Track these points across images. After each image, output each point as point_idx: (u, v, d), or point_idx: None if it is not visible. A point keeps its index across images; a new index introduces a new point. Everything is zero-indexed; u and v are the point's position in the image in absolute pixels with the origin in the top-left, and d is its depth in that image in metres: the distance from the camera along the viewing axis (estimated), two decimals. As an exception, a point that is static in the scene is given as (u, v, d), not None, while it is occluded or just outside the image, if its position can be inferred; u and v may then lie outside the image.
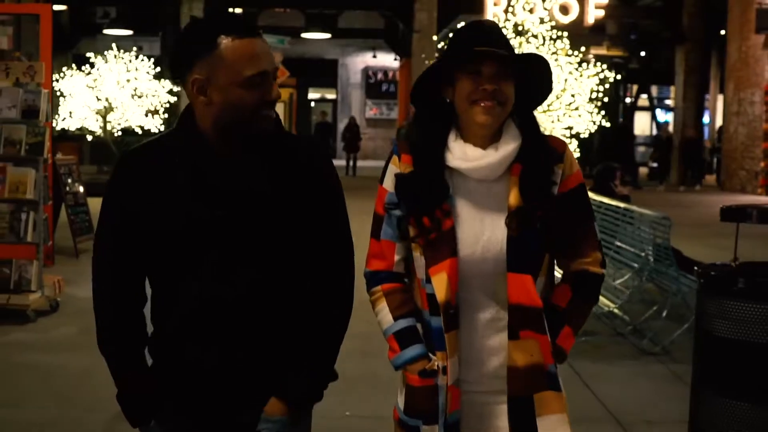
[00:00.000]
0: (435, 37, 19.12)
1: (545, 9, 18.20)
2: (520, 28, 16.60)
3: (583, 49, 17.64)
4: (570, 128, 17.29)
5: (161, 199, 2.34)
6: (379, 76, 38.23)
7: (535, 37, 17.33)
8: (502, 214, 2.50)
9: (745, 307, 4.06)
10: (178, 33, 2.33)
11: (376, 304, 2.60)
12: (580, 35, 25.22)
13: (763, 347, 4.03)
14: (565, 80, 16.86)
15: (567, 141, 14.59)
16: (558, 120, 17.05)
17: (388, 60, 35.71)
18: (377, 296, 2.61)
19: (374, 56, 37.12)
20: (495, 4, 24.76)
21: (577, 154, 15.24)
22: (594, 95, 17.10)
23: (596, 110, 16.98)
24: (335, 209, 2.47)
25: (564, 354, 2.56)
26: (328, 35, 30.26)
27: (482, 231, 2.50)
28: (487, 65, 2.45)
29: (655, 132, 28.01)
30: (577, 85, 17.22)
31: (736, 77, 23.76)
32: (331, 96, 38.65)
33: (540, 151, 2.54)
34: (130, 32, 27.05)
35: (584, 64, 17.69)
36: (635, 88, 32.98)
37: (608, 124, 17.50)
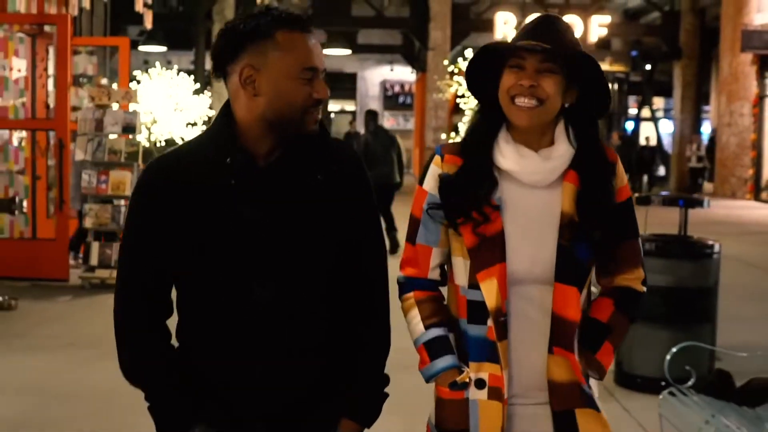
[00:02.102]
0: (446, 62, 20.70)
1: None
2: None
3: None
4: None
5: (196, 205, 2.20)
6: (396, 88, 39.57)
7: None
8: (553, 221, 2.37)
9: (652, 261, 5.97)
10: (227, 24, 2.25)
11: (407, 312, 2.46)
12: (587, 50, 27.02)
13: (664, 289, 5.94)
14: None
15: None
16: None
17: (404, 73, 36.93)
18: (409, 303, 2.46)
19: (391, 70, 38.50)
20: (504, 23, 26.61)
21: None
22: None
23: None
24: (372, 218, 2.41)
25: (603, 370, 2.44)
26: (348, 51, 31.97)
27: (532, 238, 2.37)
28: (529, 59, 2.32)
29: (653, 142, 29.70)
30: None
31: (727, 91, 25.20)
32: (350, 108, 39.60)
33: (599, 161, 2.41)
34: (163, 48, 28.96)
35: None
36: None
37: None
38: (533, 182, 2.38)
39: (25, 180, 9.83)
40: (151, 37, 29.81)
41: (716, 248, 6.00)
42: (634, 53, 29.74)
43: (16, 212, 9.60)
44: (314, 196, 2.24)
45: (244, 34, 2.17)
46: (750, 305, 8.95)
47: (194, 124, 22.38)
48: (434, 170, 2.45)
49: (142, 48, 29.06)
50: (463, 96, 16.47)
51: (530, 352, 2.38)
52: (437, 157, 2.45)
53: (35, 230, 9.97)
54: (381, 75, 39.64)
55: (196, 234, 2.20)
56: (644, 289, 2.51)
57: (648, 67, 30.77)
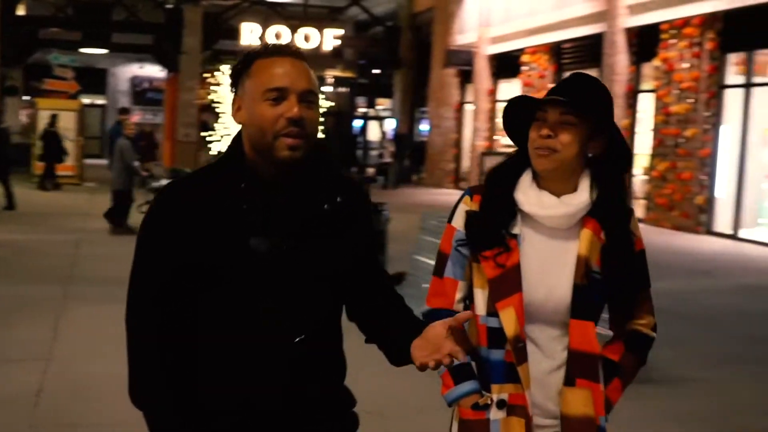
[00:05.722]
0: (200, 71, 21.64)
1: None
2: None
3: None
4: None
5: (212, 232, 2.16)
6: (145, 84, 41.50)
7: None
8: (569, 263, 2.45)
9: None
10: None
11: None
12: (322, 57, 30.30)
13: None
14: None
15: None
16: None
17: (154, 70, 38.63)
18: None
19: (141, 67, 40.33)
20: (251, 32, 29.73)
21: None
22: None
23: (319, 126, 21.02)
24: (374, 247, 2.45)
25: (611, 405, 2.55)
26: (105, 51, 33.68)
27: (548, 275, 2.46)
28: (550, 112, 2.41)
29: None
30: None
31: (436, 97, 28.98)
32: (100, 101, 41.12)
33: (618, 212, 2.50)
34: None
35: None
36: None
37: (324, 136, 21.56)
38: (554, 225, 2.48)
39: None
40: None
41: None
42: (362, 61, 33.49)
43: None
44: (320, 228, 2.23)
45: (237, 71, 2.25)
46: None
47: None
48: (463, 208, 2.56)
49: None
50: (217, 101, 19.14)
51: (543, 381, 2.48)
52: (467, 197, 2.57)
53: None
54: (131, 71, 41.34)
55: (207, 258, 2.16)
56: (654, 335, 2.63)
57: (378, 71, 34.38)
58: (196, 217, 2.18)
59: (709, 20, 16.80)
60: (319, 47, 30.02)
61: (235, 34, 29.59)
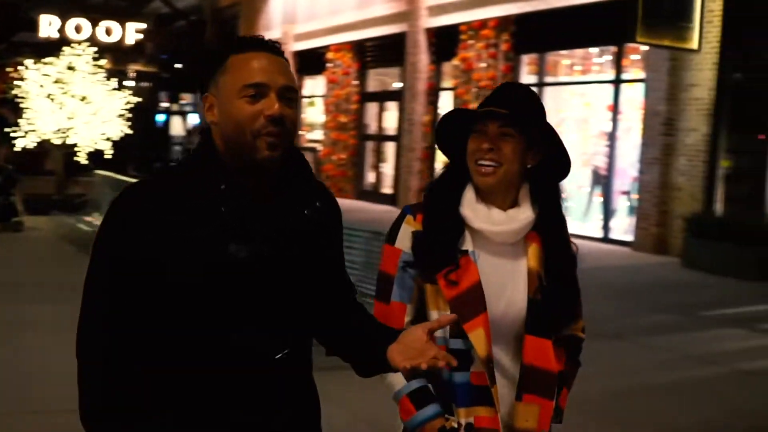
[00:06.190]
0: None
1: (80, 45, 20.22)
2: (71, 65, 19.07)
3: (102, 61, 20.02)
4: (104, 133, 19.80)
5: (185, 237, 1.96)
6: None
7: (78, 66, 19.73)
8: (521, 277, 2.45)
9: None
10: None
11: None
12: (124, 51, 29.89)
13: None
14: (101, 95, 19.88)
15: (103, 143, 18.38)
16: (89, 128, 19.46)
17: None
18: None
19: None
20: (49, 24, 28.95)
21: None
22: (122, 113, 20.08)
23: (125, 121, 20.15)
24: (342, 257, 2.35)
25: (562, 411, 2.58)
26: None
27: (503, 291, 2.44)
28: (490, 125, 2.39)
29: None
30: (108, 100, 19.76)
31: None
32: None
33: (559, 224, 2.52)
34: None
35: (114, 80, 20.66)
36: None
37: (131, 131, 20.62)
38: (500, 240, 2.46)
39: None
40: None
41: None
42: (164, 56, 33.17)
43: None
44: (299, 234, 2.11)
45: (210, 67, 2.10)
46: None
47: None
48: (407, 229, 2.48)
49: None
50: (21, 96, 18.71)
51: (503, 396, 2.45)
52: (409, 217, 2.49)
53: None
54: None
55: (177, 265, 1.96)
56: (584, 336, 2.68)
57: (179, 66, 34.17)
58: (166, 221, 1.99)
59: (503, 23, 17.89)
60: (121, 41, 29.63)
61: (33, 25, 28.78)
